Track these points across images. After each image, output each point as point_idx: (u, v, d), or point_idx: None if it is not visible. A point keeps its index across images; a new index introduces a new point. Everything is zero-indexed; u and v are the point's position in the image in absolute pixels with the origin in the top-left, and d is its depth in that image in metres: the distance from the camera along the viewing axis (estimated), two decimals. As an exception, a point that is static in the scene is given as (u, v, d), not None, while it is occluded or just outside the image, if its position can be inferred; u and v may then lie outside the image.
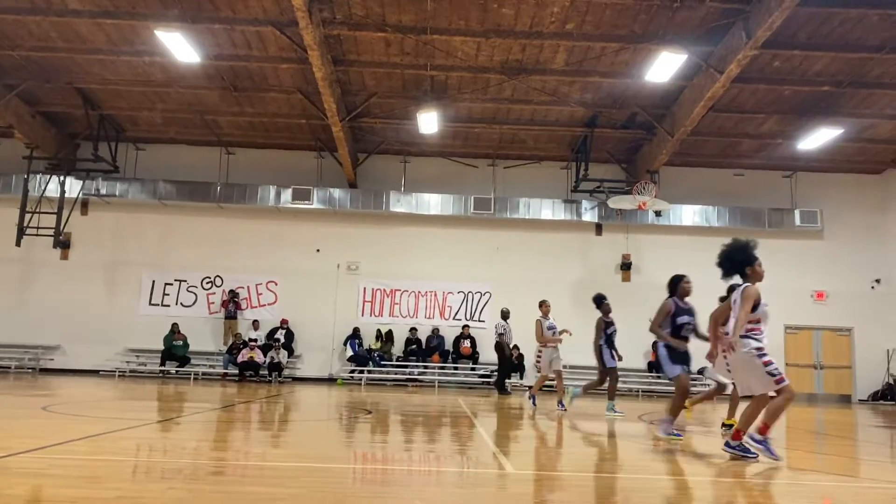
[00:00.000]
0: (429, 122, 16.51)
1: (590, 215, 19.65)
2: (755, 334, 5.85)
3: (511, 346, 16.75)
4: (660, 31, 13.24)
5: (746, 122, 17.50)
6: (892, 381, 18.93)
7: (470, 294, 19.71)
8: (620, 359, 11.00)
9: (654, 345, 8.14)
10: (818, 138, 16.98)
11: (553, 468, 5.64)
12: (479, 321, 19.51)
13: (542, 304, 11.48)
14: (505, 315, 16.08)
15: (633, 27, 13.30)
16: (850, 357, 19.68)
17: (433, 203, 19.59)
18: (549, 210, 19.69)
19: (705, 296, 19.66)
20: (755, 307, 5.88)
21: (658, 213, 18.92)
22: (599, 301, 10.98)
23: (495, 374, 17.03)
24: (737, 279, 6.32)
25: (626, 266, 19.67)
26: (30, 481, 3.83)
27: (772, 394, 5.77)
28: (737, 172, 19.99)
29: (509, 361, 16.26)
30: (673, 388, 7.98)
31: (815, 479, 5.32)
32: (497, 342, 16.21)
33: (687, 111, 15.58)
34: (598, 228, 20.04)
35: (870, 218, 19.92)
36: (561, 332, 11.40)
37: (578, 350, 16.04)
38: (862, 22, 12.91)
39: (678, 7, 12.43)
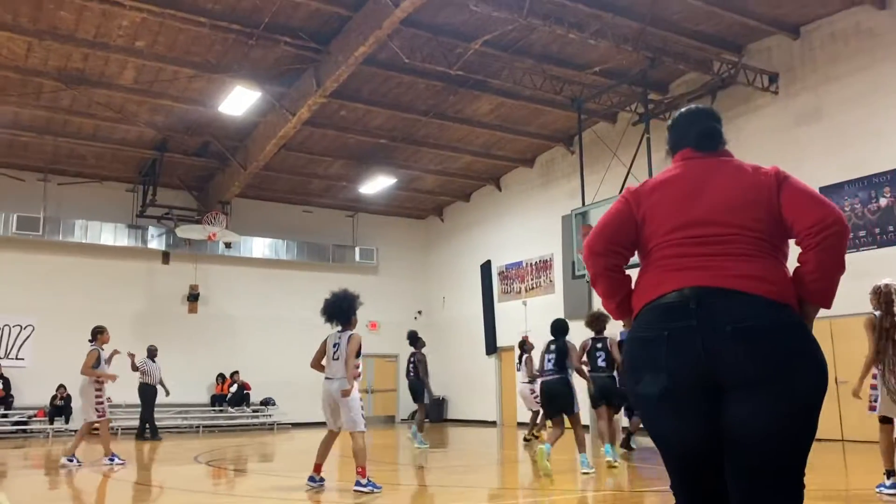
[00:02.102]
0: (-41, 123, 13.89)
1: (157, 243, 18.61)
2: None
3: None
4: (234, 65, 13.24)
5: (316, 164, 18.52)
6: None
7: (7, 328, 16.94)
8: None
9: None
10: (377, 184, 18.79)
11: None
12: (18, 359, 16.85)
13: (103, 333, 9.82)
14: None
15: (207, 56, 13.07)
16: (396, 381, 22.02)
17: (-39, 219, 16.45)
18: (111, 235, 18.09)
19: (270, 326, 19.99)
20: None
21: (228, 245, 18.81)
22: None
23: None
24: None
25: (193, 297, 19.03)
26: None
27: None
28: (306, 209, 21.01)
29: None
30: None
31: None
32: None
33: (260, 147, 15.86)
34: (166, 257, 19.08)
35: (415, 257, 22.69)
36: (112, 355, 9.96)
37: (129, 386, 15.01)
38: (413, 88, 14.73)
39: (253, 45, 12.60)
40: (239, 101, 13.69)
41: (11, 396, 16.33)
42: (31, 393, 16.54)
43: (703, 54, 13.34)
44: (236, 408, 18.45)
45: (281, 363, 18.92)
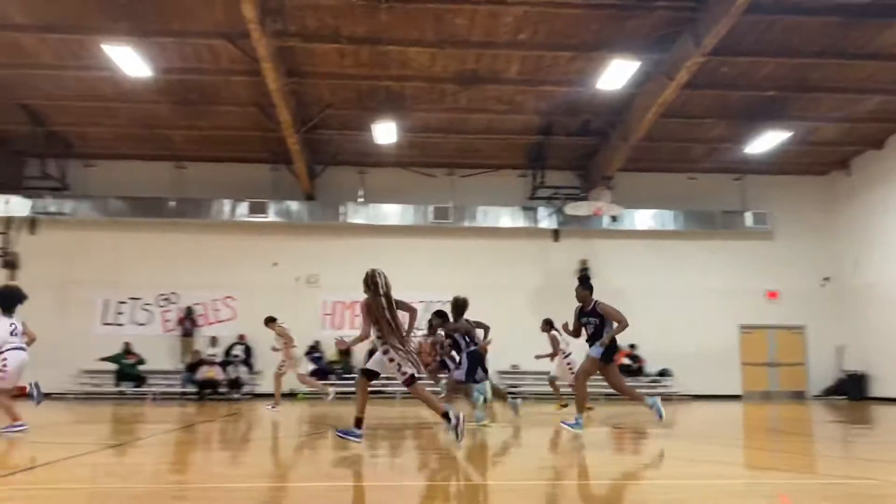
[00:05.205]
0: (385, 132, 16.49)
1: (547, 222, 19.85)
2: None
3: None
4: (610, 40, 13.44)
5: (696, 128, 17.87)
6: (845, 377, 19.41)
7: (430, 303, 19.65)
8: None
9: None
10: (766, 142, 17.41)
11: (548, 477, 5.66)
12: (437, 332, 19.47)
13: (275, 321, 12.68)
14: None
15: (584, 36, 13.49)
16: (804, 354, 20.19)
17: (392, 213, 19.58)
18: (508, 217, 19.84)
19: (660, 297, 19.79)
20: None
21: (614, 218, 19.20)
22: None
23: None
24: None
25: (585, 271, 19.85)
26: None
27: None
28: (689, 176, 20.39)
29: None
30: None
31: (775, 477, 5.43)
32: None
33: (639, 117, 15.85)
34: (556, 234, 20.24)
35: (817, 218, 20.48)
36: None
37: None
38: (802, 28, 13.30)
39: (628, 16, 12.65)
40: (616, 74, 13.85)
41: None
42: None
43: None
44: (630, 378, 18.78)
45: (677, 334, 18.79)
